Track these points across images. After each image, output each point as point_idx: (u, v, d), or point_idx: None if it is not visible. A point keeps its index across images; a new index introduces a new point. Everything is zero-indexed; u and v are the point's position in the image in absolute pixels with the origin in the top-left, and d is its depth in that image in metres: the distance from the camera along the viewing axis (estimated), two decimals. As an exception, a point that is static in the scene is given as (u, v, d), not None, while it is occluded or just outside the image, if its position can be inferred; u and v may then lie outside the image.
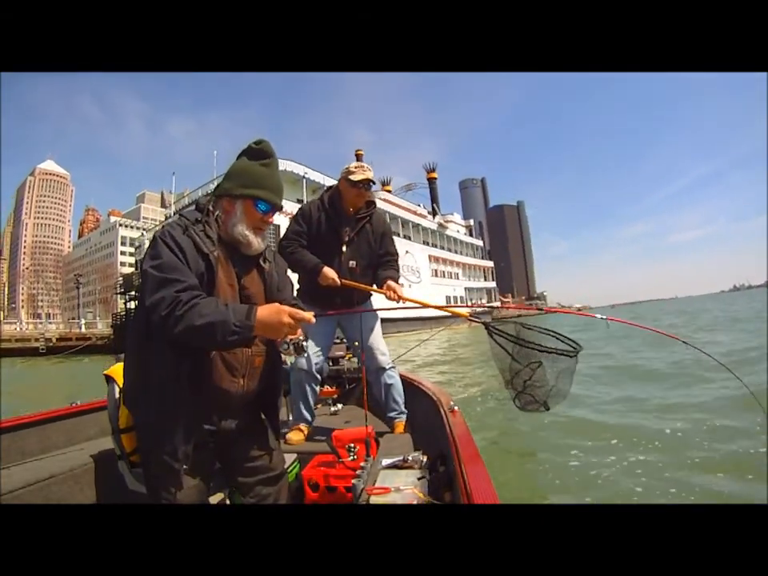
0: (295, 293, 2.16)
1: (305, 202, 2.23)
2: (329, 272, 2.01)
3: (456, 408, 1.59)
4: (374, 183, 2.12)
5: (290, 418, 2.32)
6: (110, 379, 1.29)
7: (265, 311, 0.99)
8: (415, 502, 1.10)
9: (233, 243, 1.14)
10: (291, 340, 1.08)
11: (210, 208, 1.14)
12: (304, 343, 1.11)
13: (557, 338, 1.63)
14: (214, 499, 1.34)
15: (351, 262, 2.12)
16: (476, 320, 1.99)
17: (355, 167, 2.08)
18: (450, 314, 1.92)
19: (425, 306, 2.20)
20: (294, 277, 2.16)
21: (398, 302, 2.04)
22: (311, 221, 2.12)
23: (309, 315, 1.02)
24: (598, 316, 1.67)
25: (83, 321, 31.36)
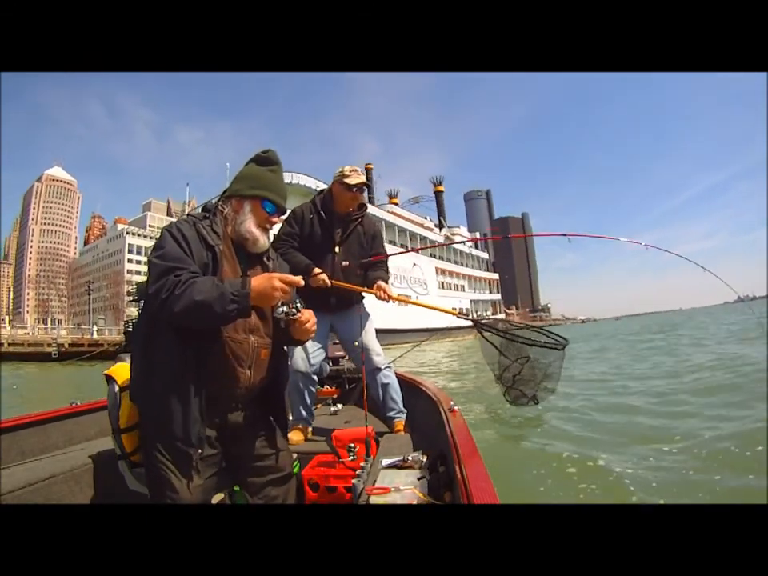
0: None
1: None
2: (319, 274, 2.03)
3: (456, 408, 1.59)
4: (368, 186, 2.16)
5: (290, 419, 2.33)
6: (110, 379, 1.28)
7: (257, 280, 1.05)
8: (415, 502, 1.10)
9: (240, 240, 1.21)
10: (284, 303, 1.12)
11: (220, 208, 1.22)
12: (298, 304, 1.15)
13: (544, 334, 1.67)
14: (215, 499, 1.34)
15: (344, 263, 2.15)
16: (464, 317, 2.05)
17: (350, 171, 2.11)
18: (451, 321, 1.97)
19: (414, 304, 2.32)
20: None
21: (387, 302, 2.09)
22: (303, 223, 2.15)
23: (297, 278, 1.08)
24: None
25: (95, 327, 31.56)
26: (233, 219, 1.21)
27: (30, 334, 32.98)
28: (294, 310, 1.12)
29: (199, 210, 1.28)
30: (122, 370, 1.24)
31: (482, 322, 1.74)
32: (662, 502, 2.50)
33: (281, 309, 1.12)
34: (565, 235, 2.19)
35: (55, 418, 1.91)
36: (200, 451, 1.09)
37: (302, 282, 1.09)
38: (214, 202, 1.26)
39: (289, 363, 2.23)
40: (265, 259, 1.28)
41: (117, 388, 1.25)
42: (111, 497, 1.49)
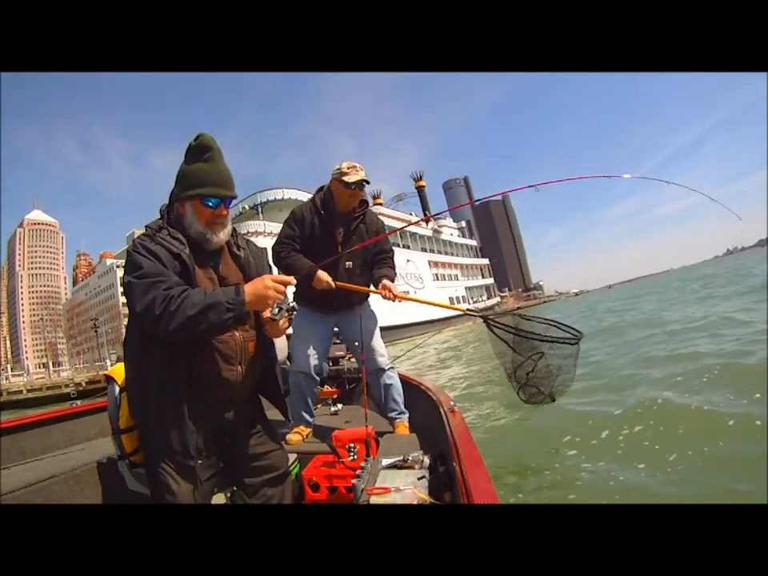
0: (291, 296, 2.18)
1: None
2: (322, 275, 1.99)
3: (456, 408, 1.59)
4: (368, 183, 2.09)
5: (290, 419, 2.33)
6: (110, 379, 1.28)
7: (250, 285, 1.07)
8: (415, 502, 1.10)
9: (197, 243, 1.19)
10: (278, 304, 1.12)
11: (171, 215, 1.19)
12: (293, 304, 1.14)
13: (557, 327, 1.61)
14: (215, 500, 1.34)
15: (347, 263, 2.11)
16: (474, 313, 2.01)
17: (348, 168, 2.04)
18: (449, 310, 1.95)
19: (423, 302, 2.28)
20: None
21: (393, 301, 2.05)
22: (304, 224, 2.10)
23: (289, 278, 1.09)
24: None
25: (108, 362, 32.29)
26: (180, 225, 1.18)
27: (48, 379, 33.72)
28: (283, 313, 1.12)
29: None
30: (121, 370, 1.23)
31: (492, 317, 1.69)
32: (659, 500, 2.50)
33: (277, 308, 1.11)
34: (531, 186, 1.78)
35: (56, 419, 1.92)
36: (200, 461, 1.10)
37: (294, 281, 1.10)
38: (164, 207, 1.23)
39: (284, 367, 2.23)
40: (235, 250, 1.26)
41: (117, 388, 1.25)
42: (111, 497, 1.49)
